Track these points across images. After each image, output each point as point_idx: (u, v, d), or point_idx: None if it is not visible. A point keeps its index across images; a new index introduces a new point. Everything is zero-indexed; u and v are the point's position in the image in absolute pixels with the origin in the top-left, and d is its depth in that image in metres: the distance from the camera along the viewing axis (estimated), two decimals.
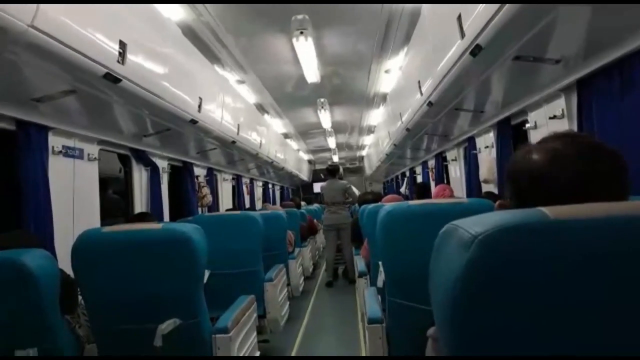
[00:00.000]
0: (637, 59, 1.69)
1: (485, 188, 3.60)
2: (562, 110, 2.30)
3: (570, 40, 1.80)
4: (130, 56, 2.10)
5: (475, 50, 1.89)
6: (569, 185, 0.68)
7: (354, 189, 6.01)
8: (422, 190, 4.26)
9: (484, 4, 1.67)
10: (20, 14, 1.42)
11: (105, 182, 3.56)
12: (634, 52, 1.69)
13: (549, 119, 2.41)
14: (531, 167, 0.73)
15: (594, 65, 1.91)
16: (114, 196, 4.01)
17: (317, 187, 14.16)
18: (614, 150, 0.73)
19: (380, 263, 1.91)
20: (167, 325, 1.67)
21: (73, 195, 2.67)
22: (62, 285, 1.60)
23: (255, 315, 2.48)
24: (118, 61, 2.00)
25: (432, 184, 5.55)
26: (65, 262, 1.75)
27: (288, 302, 3.75)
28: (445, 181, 5.21)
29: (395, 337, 1.78)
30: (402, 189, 8.01)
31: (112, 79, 1.98)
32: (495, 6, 1.56)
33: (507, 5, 1.50)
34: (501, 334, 0.57)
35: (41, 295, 1.48)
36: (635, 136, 1.70)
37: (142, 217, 2.68)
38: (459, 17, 1.97)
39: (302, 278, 5.14)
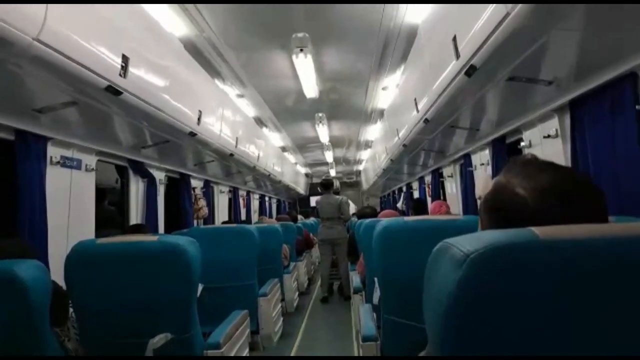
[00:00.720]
0: (627, 82, 1.72)
1: None
2: (556, 130, 2.34)
3: (562, 62, 1.84)
4: (132, 69, 2.12)
5: (470, 71, 1.93)
6: (555, 216, 0.69)
7: (350, 205, 5.98)
8: (418, 206, 4.28)
9: (478, 26, 1.71)
10: (26, 28, 1.44)
11: (101, 193, 3.56)
12: (624, 75, 1.73)
13: (543, 138, 2.45)
14: (517, 200, 0.74)
15: (586, 87, 1.95)
16: (110, 207, 4.01)
17: (314, 201, 14.18)
18: (589, 179, 0.76)
19: (376, 279, 1.92)
20: (158, 340, 1.66)
21: (69, 205, 2.67)
22: (53, 297, 1.56)
23: (248, 330, 2.47)
24: (120, 74, 2.03)
25: (429, 199, 5.57)
26: (57, 273, 1.73)
27: (282, 318, 3.73)
28: (442, 197, 5.23)
29: (390, 355, 1.77)
30: (399, 204, 8.03)
31: (113, 91, 2.00)
32: (490, 29, 1.60)
33: (500, 28, 1.54)
34: (493, 352, 0.58)
35: (32, 306, 1.43)
36: (626, 156, 1.73)
37: (137, 229, 2.68)
38: (454, 38, 2.01)
39: (297, 293, 5.11)
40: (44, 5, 1.50)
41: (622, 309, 0.58)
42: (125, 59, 2.06)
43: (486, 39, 1.66)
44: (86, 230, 2.83)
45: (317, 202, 5.78)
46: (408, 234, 1.75)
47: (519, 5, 1.38)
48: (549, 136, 2.39)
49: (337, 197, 5.71)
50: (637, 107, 1.70)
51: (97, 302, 1.71)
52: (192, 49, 3.51)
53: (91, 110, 2.22)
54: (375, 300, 1.94)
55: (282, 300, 4.08)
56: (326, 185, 5.77)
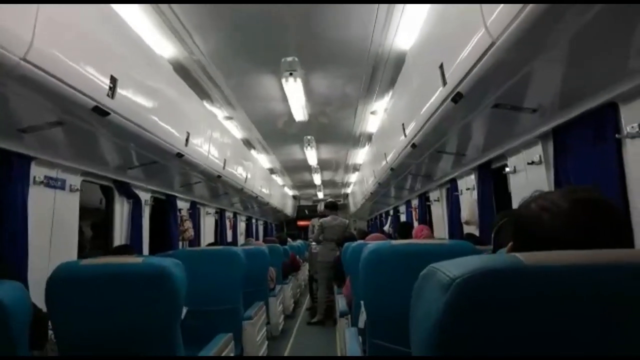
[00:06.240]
0: (609, 111, 1.77)
1: (467, 229, 3.65)
2: (540, 156, 2.38)
3: (545, 91, 1.89)
4: (120, 90, 2.12)
5: (456, 97, 1.97)
6: (574, 238, 0.70)
7: None
8: (404, 230, 4.28)
9: (464, 55, 1.76)
10: (13, 47, 1.44)
11: (84, 214, 3.50)
12: (606, 104, 1.78)
13: (528, 165, 2.49)
14: (537, 219, 0.76)
15: (568, 116, 2.00)
16: (87, 230, 3.91)
17: (301, 223, 14.11)
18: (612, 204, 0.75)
19: (362, 302, 1.90)
20: None
21: (52, 226, 2.61)
22: (33, 319, 1.53)
23: (232, 355, 2.42)
24: (108, 95, 2.02)
25: (415, 223, 5.58)
26: (37, 295, 1.68)
27: (266, 342, 3.66)
28: (428, 221, 5.25)
29: None
30: (386, 228, 8.04)
31: (100, 112, 2.00)
32: (476, 57, 1.65)
33: (486, 57, 1.59)
34: None
35: (11, 329, 1.37)
36: (607, 183, 1.77)
37: (122, 250, 2.63)
38: (441, 66, 2.06)
39: (282, 317, 5.04)
40: (32, 25, 1.50)
41: (604, 336, 0.59)
42: (113, 80, 2.06)
43: (472, 67, 1.71)
44: (69, 251, 2.77)
45: (324, 222, 5.56)
46: (395, 257, 1.75)
47: (504, 35, 1.42)
48: (532, 162, 2.43)
49: (344, 219, 5.61)
50: (617, 135, 1.74)
51: (79, 325, 1.66)
52: (182, 70, 3.53)
53: (77, 130, 2.20)
54: (361, 324, 1.91)
55: (267, 323, 4.01)
56: (332, 206, 5.67)
